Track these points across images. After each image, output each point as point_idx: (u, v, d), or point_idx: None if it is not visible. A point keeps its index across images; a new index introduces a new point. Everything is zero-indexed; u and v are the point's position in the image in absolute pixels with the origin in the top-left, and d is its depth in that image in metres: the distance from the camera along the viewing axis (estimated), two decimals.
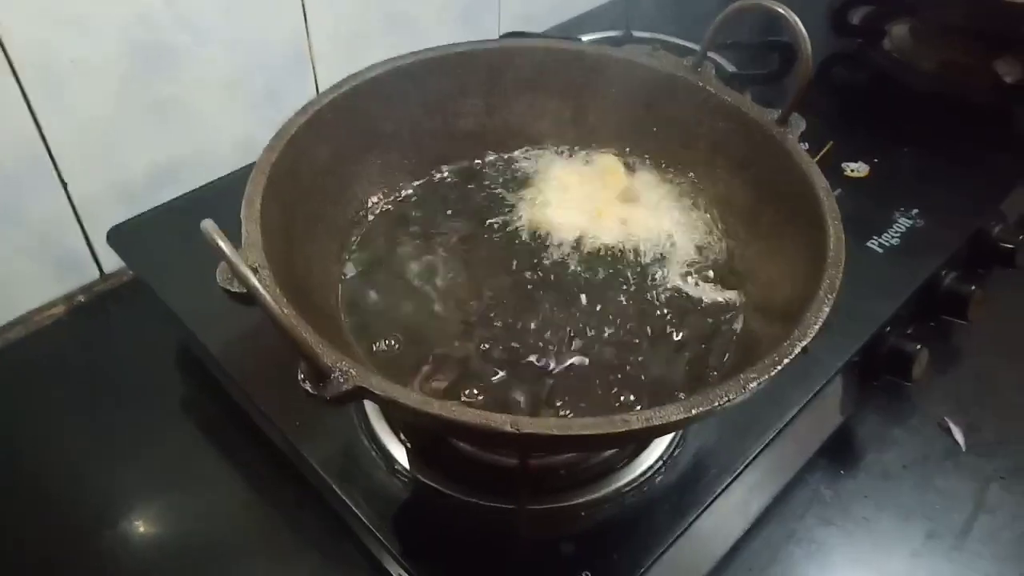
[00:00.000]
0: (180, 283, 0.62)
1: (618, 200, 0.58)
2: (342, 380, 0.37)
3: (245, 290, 0.37)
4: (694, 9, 1.00)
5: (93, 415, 0.63)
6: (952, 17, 0.88)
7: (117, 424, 0.62)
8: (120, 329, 0.70)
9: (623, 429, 0.36)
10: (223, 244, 0.35)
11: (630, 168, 0.62)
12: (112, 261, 0.74)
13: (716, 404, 0.37)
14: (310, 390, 0.37)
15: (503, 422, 0.36)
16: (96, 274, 0.74)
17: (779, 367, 0.39)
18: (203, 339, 0.60)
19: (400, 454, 0.53)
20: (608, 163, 0.60)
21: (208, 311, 0.60)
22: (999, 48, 0.90)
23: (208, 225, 0.35)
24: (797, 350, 0.39)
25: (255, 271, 0.38)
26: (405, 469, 0.52)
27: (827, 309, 0.41)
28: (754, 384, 0.38)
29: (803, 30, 0.48)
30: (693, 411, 0.37)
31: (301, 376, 0.37)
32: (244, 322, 0.59)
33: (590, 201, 0.58)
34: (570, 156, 0.63)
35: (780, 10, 0.50)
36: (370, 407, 0.55)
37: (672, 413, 0.37)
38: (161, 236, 0.68)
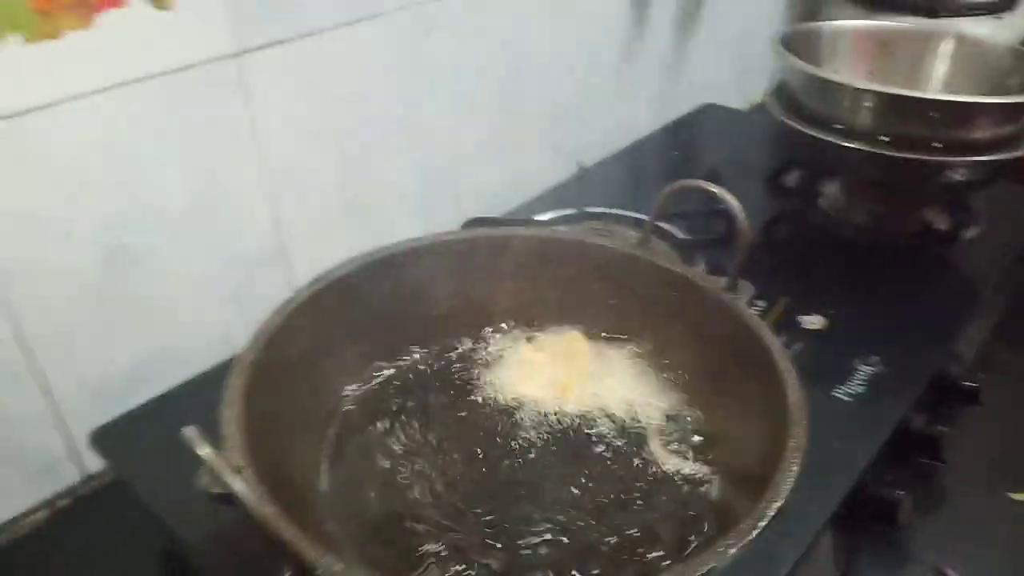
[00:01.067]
0: (163, 484, 0.61)
1: (584, 375, 0.60)
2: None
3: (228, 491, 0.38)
4: (642, 184, 1.08)
5: None
6: (872, 176, 0.96)
7: None
8: (103, 533, 0.69)
9: None
10: (205, 452, 0.36)
11: (593, 340, 0.65)
12: (93, 463, 0.73)
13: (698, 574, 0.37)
14: None
15: None
16: (77, 477, 0.73)
17: (756, 531, 0.39)
18: (188, 541, 0.59)
19: None
20: (573, 339, 0.62)
21: (192, 512, 0.58)
22: (919, 195, 0.98)
23: (190, 433, 0.36)
24: (771, 512, 0.40)
25: (238, 471, 0.39)
26: None
27: (796, 468, 0.42)
28: (733, 551, 0.38)
29: (737, 204, 0.53)
30: None
31: (288, 574, 0.37)
32: (229, 521, 0.58)
33: (557, 377, 0.60)
34: (536, 334, 0.65)
35: (714, 190, 0.54)
36: None
37: None
38: (143, 437, 0.68)
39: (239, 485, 0.36)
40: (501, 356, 0.64)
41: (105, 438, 0.68)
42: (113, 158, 0.67)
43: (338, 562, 0.38)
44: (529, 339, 0.65)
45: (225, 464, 0.36)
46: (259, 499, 0.37)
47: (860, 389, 0.72)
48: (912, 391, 0.72)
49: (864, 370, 0.74)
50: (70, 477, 0.73)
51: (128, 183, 0.69)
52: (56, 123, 0.63)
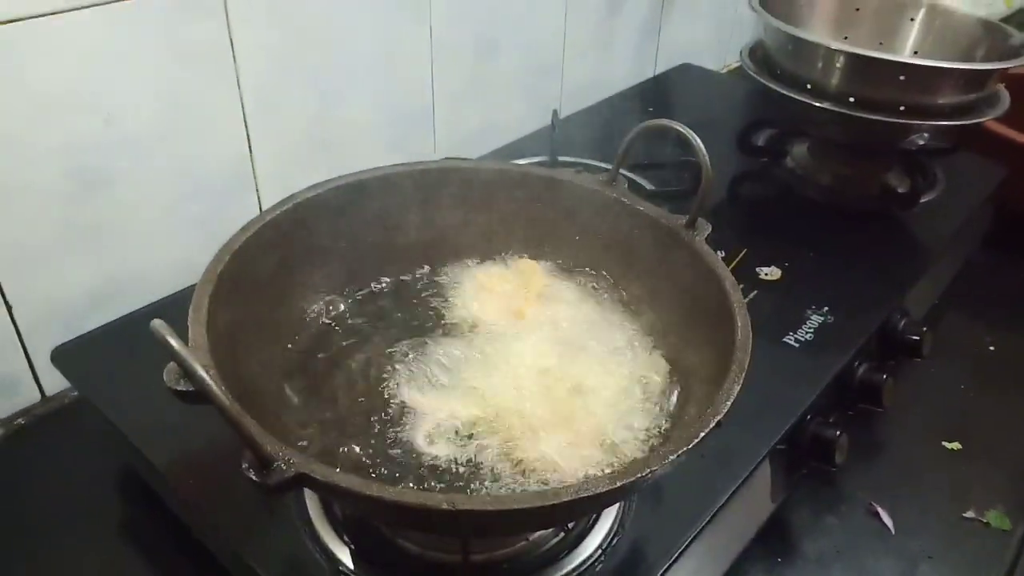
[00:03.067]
0: (125, 401, 0.63)
1: (536, 299, 0.62)
2: (285, 468, 0.38)
3: (193, 388, 0.39)
4: (615, 136, 1.09)
5: (31, 542, 0.61)
6: (839, 137, 0.99)
7: (56, 551, 0.61)
8: (60, 453, 0.70)
9: (554, 502, 0.38)
10: (173, 342, 0.37)
11: (556, 272, 0.67)
12: (53, 383, 0.74)
13: (639, 475, 0.40)
14: (254, 478, 0.38)
15: (440, 501, 0.38)
16: (37, 396, 0.74)
17: (696, 440, 0.42)
18: (148, 454, 0.60)
19: (344, 555, 0.53)
20: (524, 265, 0.65)
21: (153, 427, 0.61)
22: (882, 158, 1.01)
23: (158, 324, 0.38)
24: (712, 424, 0.43)
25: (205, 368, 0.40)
26: (349, 570, 0.52)
27: (737, 387, 0.45)
28: (673, 456, 0.41)
29: (700, 143, 0.55)
30: (618, 482, 0.39)
31: (246, 465, 0.39)
32: (188, 437, 0.60)
33: (514, 300, 0.62)
34: (495, 263, 0.67)
35: (680, 129, 0.56)
36: (314, 511, 0.56)
37: (599, 485, 0.39)
38: (104, 355, 0.69)
39: (205, 377, 0.37)
40: (461, 284, 0.65)
41: (66, 356, 0.68)
42: (86, 78, 0.67)
43: (299, 453, 0.39)
44: (488, 268, 0.66)
45: (193, 357, 0.37)
46: (225, 392, 0.38)
47: (809, 337, 0.75)
48: (857, 340, 0.75)
49: (814, 319, 0.77)
50: (29, 397, 0.74)
51: (100, 104, 0.69)
52: (31, 37, 0.62)
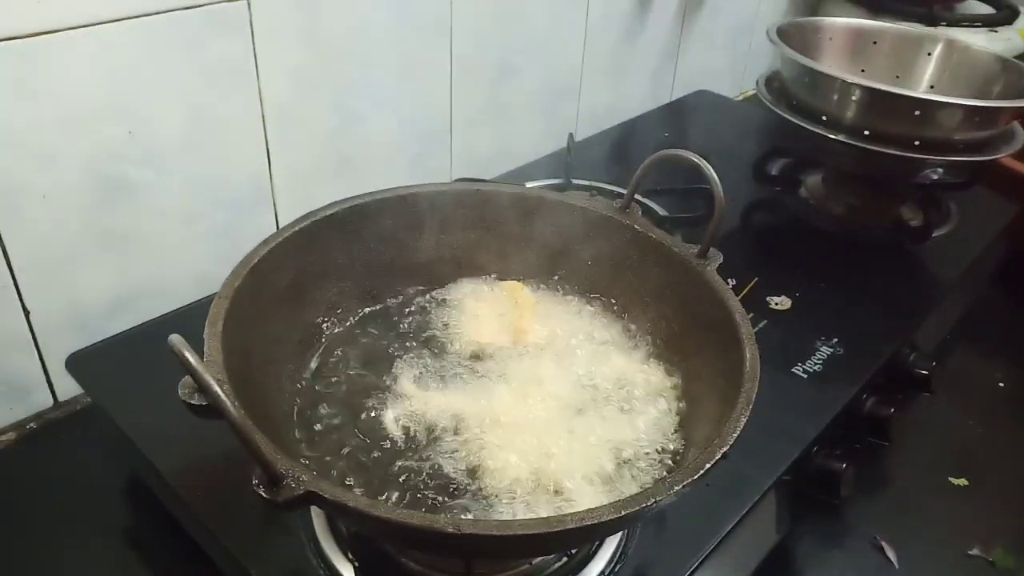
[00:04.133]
0: (136, 409, 0.64)
1: (533, 320, 0.64)
2: (294, 485, 0.39)
3: (207, 403, 0.40)
4: (630, 161, 1.10)
5: (37, 545, 0.62)
6: (853, 169, 0.99)
7: (61, 555, 0.61)
8: (70, 458, 0.71)
9: (559, 528, 0.38)
10: (191, 357, 0.38)
11: (564, 296, 0.68)
12: (66, 389, 0.75)
13: (644, 505, 0.40)
14: (264, 494, 0.39)
15: (445, 524, 0.38)
16: (50, 401, 0.75)
17: (701, 471, 0.42)
18: (157, 463, 0.61)
19: (348, 572, 0.53)
20: (514, 288, 0.67)
21: (163, 436, 0.62)
22: (896, 191, 1.01)
23: (176, 339, 0.38)
24: (718, 456, 0.43)
25: (220, 383, 0.41)
26: None
27: (744, 419, 0.45)
28: (679, 487, 0.41)
29: (714, 174, 0.55)
30: (623, 511, 0.40)
31: (255, 482, 0.39)
32: (198, 449, 0.61)
33: (509, 323, 0.64)
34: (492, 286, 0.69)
35: (695, 159, 0.57)
36: (319, 526, 0.56)
37: (604, 513, 0.39)
38: (118, 364, 0.70)
39: (220, 393, 0.38)
40: (463, 304, 0.66)
41: (81, 363, 0.69)
42: (114, 89, 0.68)
43: (308, 471, 0.40)
44: (486, 290, 0.68)
45: (208, 371, 0.38)
46: (238, 408, 0.39)
47: (818, 368, 0.75)
48: (866, 373, 0.75)
49: (823, 351, 0.78)
50: (42, 402, 0.75)
51: (126, 116, 0.70)
52: (64, 50, 0.64)
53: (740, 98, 1.51)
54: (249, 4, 0.73)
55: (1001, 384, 0.91)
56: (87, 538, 0.63)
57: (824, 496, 0.69)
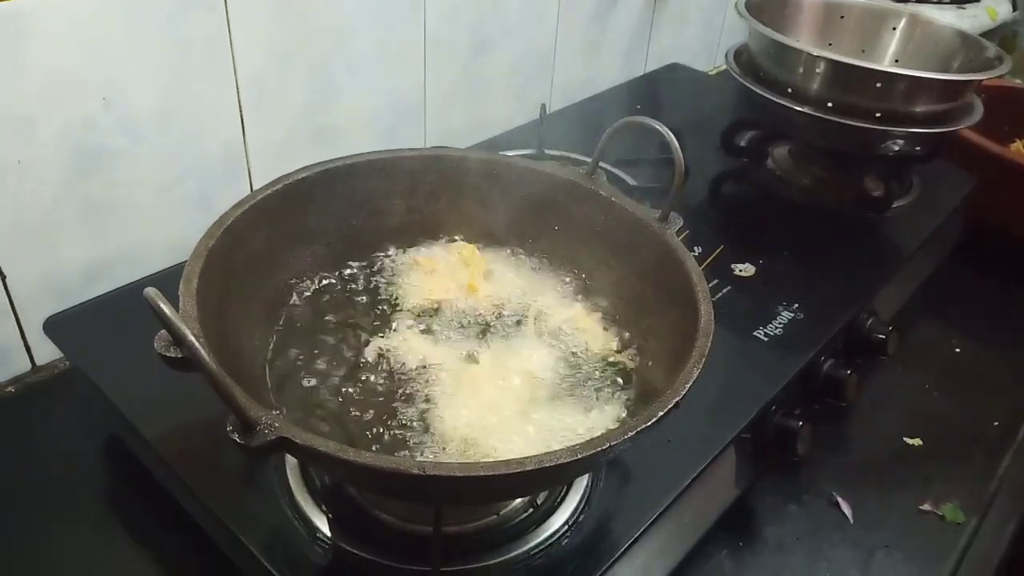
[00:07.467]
0: (115, 371, 0.65)
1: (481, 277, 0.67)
2: (267, 432, 0.41)
3: (182, 354, 0.42)
4: (601, 132, 1.11)
5: (17, 508, 0.64)
6: (817, 140, 1.02)
7: (42, 518, 0.63)
8: (49, 421, 0.72)
9: (519, 470, 0.41)
10: (166, 308, 0.39)
11: (527, 257, 0.70)
12: (44, 353, 0.76)
13: (599, 449, 0.42)
14: (238, 440, 0.41)
15: (411, 466, 0.40)
16: (27, 366, 0.76)
17: (654, 418, 0.44)
18: (136, 424, 0.62)
19: (322, 524, 0.56)
20: (461, 248, 0.69)
21: (141, 397, 0.63)
22: (859, 163, 1.04)
23: (151, 291, 0.40)
24: (670, 405, 0.45)
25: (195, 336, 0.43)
26: (327, 537, 0.55)
27: (697, 371, 0.47)
28: (632, 432, 0.43)
29: (674, 140, 0.57)
30: (579, 455, 0.42)
31: (230, 428, 0.41)
32: (176, 408, 0.62)
33: (461, 280, 0.67)
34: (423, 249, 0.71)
35: (656, 126, 0.59)
36: (294, 481, 0.58)
37: (562, 456, 0.42)
38: (96, 327, 0.71)
39: (195, 342, 0.39)
40: (420, 265, 0.69)
41: (58, 326, 0.70)
42: (91, 61, 0.69)
43: (279, 418, 0.42)
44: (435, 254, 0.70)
45: (183, 324, 0.40)
46: (212, 359, 0.40)
47: (778, 332, 0.78)
48: (824, 336, 0.78)
49: (785, 315, 0.80)
50: (20, 366, 0.76)
51: (102, 87, 0.71)
52: (40, 19, 0.64)
53: (713, 72, 1.53)
54: None
55: (957, 350, 0.94)
56: (67, 500, 0.65)
57: (782, 454, 0.72)
